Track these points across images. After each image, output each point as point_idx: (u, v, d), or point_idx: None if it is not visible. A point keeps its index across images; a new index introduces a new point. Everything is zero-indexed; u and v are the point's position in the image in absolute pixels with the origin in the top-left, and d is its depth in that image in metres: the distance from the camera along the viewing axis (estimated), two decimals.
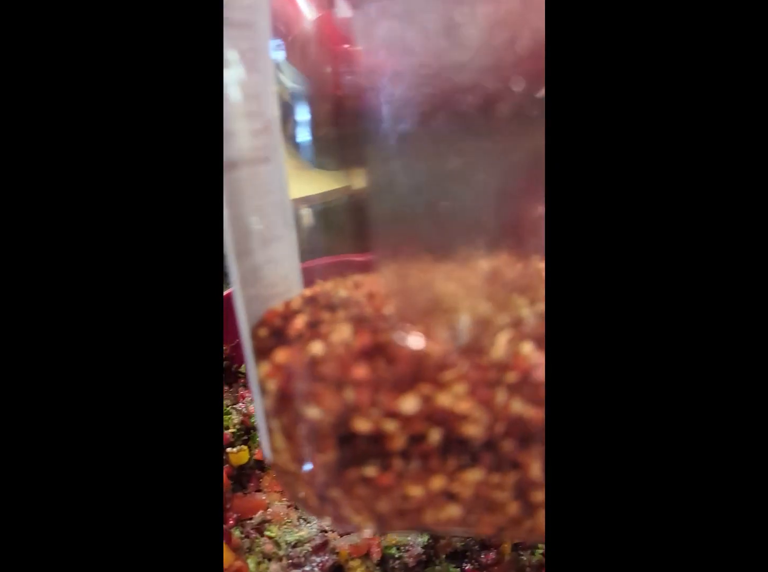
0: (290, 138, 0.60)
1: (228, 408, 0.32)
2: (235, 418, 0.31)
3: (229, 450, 0.30)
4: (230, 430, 0.31)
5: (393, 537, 0.27)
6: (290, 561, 0.26)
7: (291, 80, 0.44)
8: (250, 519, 0.29)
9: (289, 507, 0.31)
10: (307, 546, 0.27)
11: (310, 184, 0.48)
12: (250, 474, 0.32)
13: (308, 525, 0.31)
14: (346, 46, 0.41)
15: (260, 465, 0.33)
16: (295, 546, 0.27)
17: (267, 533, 0.27)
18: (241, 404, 0.34)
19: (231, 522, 0.28)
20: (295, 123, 0.56)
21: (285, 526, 0.29)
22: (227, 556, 0.24)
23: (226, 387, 0.36)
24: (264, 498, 0.30)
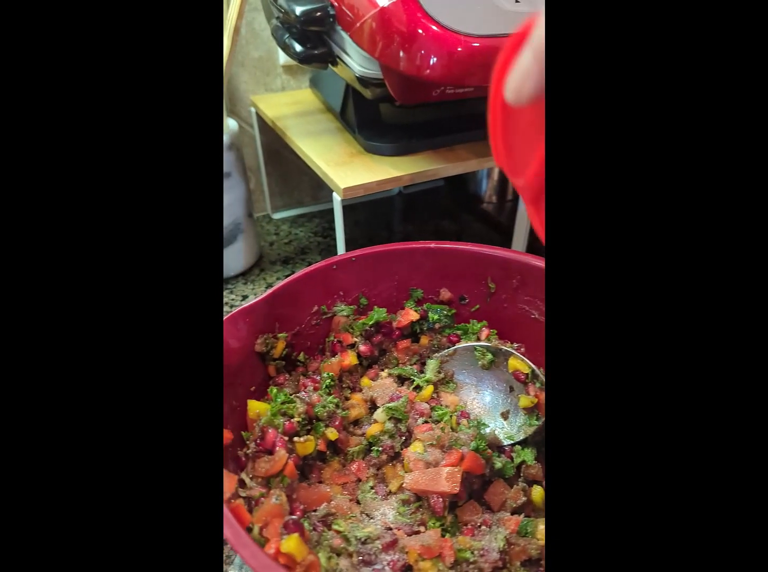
0: (350, 123, 0.58)
1: (291, 397, 0.32)
2: (300, 407, 0.31)
3: (296, 439, 0.29)
4: (295, 419, 0.30)
5: (467, 541, 0.26)
6: (360, 557, 0.25)
7: (358, 64, 0.43)
8: (314, 511, 0.28)
9: (351, 500, 0.31)
10: (378, 543, 0.26)
11: (364, 171, 0.47)
12: (312, 464, 0.32)
13: (371, 520, 0.30)
14: (419, 30, 0.39)
15: (322, 457, 0.32)
16: (365, 542, 0.26)
17: (335, 527, 0.27)
18: (303, 393, 0.33)
19: (298, 513, 0.27)
20: (355, 108, 0.55)
21: (350, 521, 0.28)
22: (300, 549, 0.23)
23: (285, 375, 0.36)
24: (328, 490, 0.30)
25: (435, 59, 0.37)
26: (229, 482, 0.24)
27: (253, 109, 0.65)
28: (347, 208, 0.77)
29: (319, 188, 0.77)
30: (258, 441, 0.29)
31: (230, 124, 0.57)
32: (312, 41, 0.45)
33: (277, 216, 0.74)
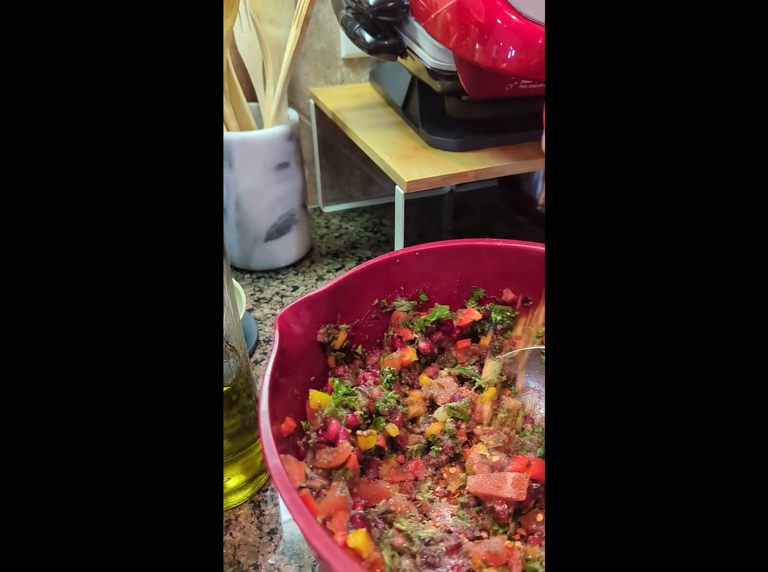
0: (413, 117, 0.57)
1: (353, 390, 0.31)
2: (362, 400, 0.30)
3: (358, 432, 0.29)
4: (357, 412, 0.29)
5: (536, 551, 0.25)
6: (424, 558, 0.24)
7: (430, 56, 0.42)
8: (374, 507, 0.28)
9: (408, 499, 0.30)
10: (441, 546, 0.25)
11: (428, 165, 0.46)
12: (369, 460, 0.31)
13: (428, 520, 0.29)
14: (499, 20, 0.38)
15: (379, 453, 0.32)
16: (428, 543, 0.25)
17: (397, 525, 0.26)
18: (363, 386, 0.32)
19: (359, 507, 0.27)
20: (420, 101, 0.54)
21: (409, 520, 0.27)
22: (367, 545, 0.22)
23: (345, 367, 0.35)
24: (387, 487, 0.29)
25: (513, 51, 0.36)
26: (298, 470, 0.24)
27: (311, 101, 0.65)
28: (392, 205, 0.76)
29: (371, 183, 0.76)
30: (320, 432, 0.29)
31: (290, 114, 0.57)
32: (383, 32, 0.45)
33: (327, 209, 0.74)
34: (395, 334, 0.36)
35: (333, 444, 0.28)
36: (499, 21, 0.36)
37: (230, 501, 0.35)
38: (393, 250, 0.66)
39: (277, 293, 0.58)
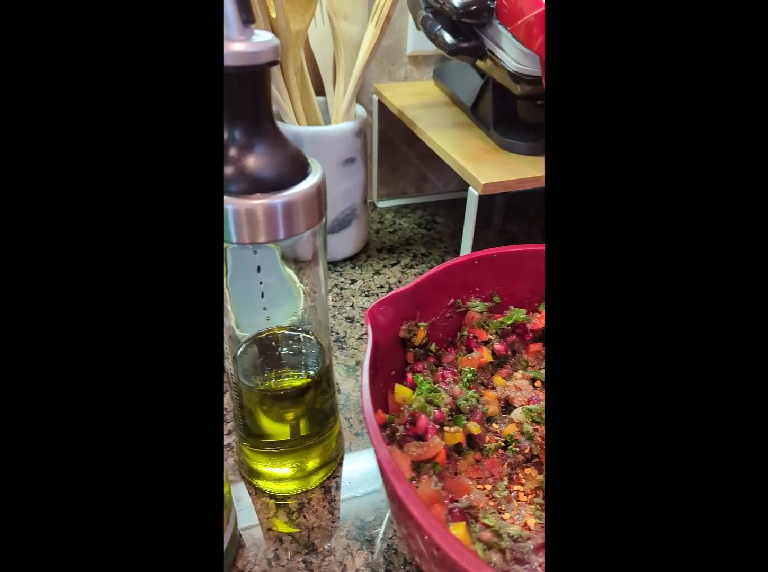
0: (483, 118, 0.58)
1: (435, 387, 0.32)
2: (446, 398, 0.31)
3: (446, 429, 0.30)
4: (443, 409, 0.30)
5: None
6: (513, 554, 0.25)
7: (513, 60, 0.43)
8: (457, 501, 0.29)
9: (487, 496, 0.31)
10: (529, 544, 0.26)
11: (501, 167, 0.47)
12: (449, 456, 0.32)
13: (504, 516, 0.30)
14: None
15: (458, 449, 0.33)
16: (516, 540, 0.26)
17: (484, 520, 0.27)
18: (443, 384, 0.33)
19: (446, 501, 0.28)
20: (493, 103, 0.54)
21: (492, 516, 0.28)
22: (466, 539, 0.23)
23: (423, 364, 0.36)
24: (469, 482, 0.30)
25: None
26: (404, 462, 0.25)
27: (375, 97, 0.66)
28: (450, 203, 0.77)
29: (424, 181, 0.77)
30: (407, 426, 0.30)
31: (358, 110, 0.58)
32: (464, 34, 0.45)
33: (381, 204, 0.75)
34: (470, 334, 0.37)
35: (420, 438, 0.29)
36: None
37: (310, 482, 0.36)
38: (446, 247, 0.67)
39: (336, 285, 0.59)
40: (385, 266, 0.63)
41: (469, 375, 0.34)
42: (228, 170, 0.26)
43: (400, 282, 0.60)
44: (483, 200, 0.78)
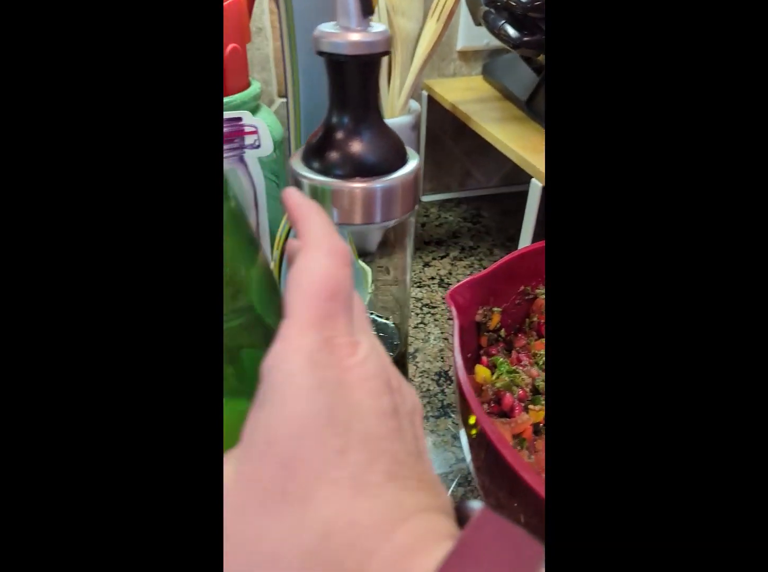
0: (539, 112, 0.59)
1: (514, 368, 0.33)
2: (526, 378, 0.32)
3: (530, 407, 0.31)
4: (526, 388, 0.31)
5: None
6: None
7: None
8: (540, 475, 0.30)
9: None
10: None
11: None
12: None
13: None
14: None
15: (536, 429, 0.34)
16: None
17: None
18: (520, 366, 0.34)
19: None
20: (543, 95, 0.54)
21: None
22: None
23: (497, 347, 0.37)
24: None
25: None
26: (506, 433, 0.26)
27: (424, 92, 0.67)
28: (493, 197, 0.78)
29: (468, 176, 0.78)
30: (492, 404, 0.31)
31: (413, 105, 0.59)
32: (528, 27, 0.46)
33: (426, 198, 0.76)
34: (540, 320, 0.38)
35: (506, 414, 0.30)
36: None
37: None
38: (493, 240, 0.68)
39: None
40: (434, 258, 0.64)
41: (545, 359, 0.35)
42: (333, 154, 0.27)
43: (450, 274, 0.61)
44: (514, 195, 0.79)
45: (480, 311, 0.36)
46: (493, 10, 0.48)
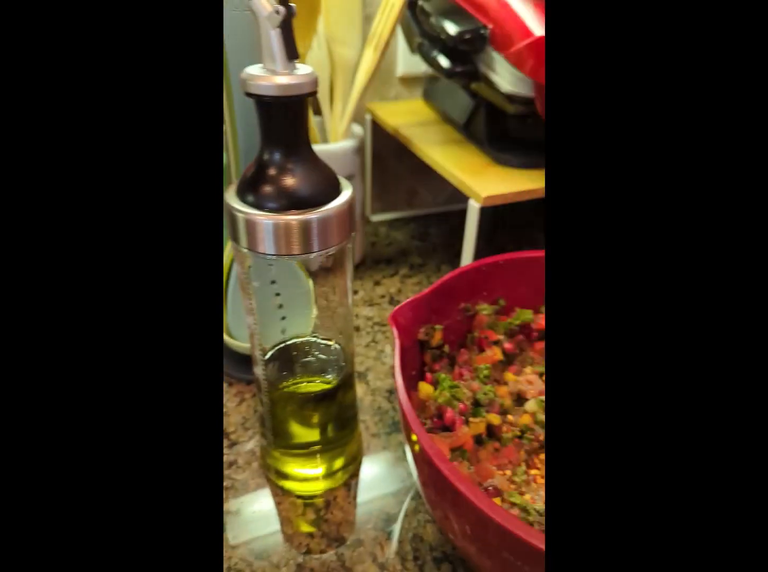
0: (476, 135, 0.62)
1: (455, 383, 0.35)
2: (467, 392, 0.34)
3: (471, 419, 0.32)
4: (467, 402, 0.33)
5: None
6: (540, 528, 0.28)
7: (508, 83, 0.46)
8: (481, 484, 0.31)
9: (508, 480, 0.33)
10: None
11: (499, 181, 0.50)
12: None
13: (525, 497, 0.33)
14: None
15: (479, 439, 0.35)
16: (542, 514, 0.28)
17: (511, 499, 0.29)
18: (461, 381, 0.36)
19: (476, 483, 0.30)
20: (485, 121, 0.58)
21: (516, 495, 0.31)
22: None
23: (440, 364, 0.39)
24: (493, 467, 0.32)
25: None
26: (443, 447, 0.28)
27: (368, 116, 0.69)
28: (440, 216, 0.80)
29: (414, 195, 0.80)
30: (434, 419, 0.32)
31: (356, 129, 0.61)
32: (459, 58, 0.49)
33: (375, 218, 0.78)
34: (481, 335, 0.40)
35: (447, 429, 0.32)
36: None
37: (336, 480, 0.38)
38: (440, 257, 0.70)
39: None
40: (384, 276, 0.65)
41: (485, 372, 0.37)
42: (267, 189, 0.28)
43: (399, 291, 0.63)
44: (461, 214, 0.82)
45: (422, 329, 0.37)
46: (427, 42, 0.51)
